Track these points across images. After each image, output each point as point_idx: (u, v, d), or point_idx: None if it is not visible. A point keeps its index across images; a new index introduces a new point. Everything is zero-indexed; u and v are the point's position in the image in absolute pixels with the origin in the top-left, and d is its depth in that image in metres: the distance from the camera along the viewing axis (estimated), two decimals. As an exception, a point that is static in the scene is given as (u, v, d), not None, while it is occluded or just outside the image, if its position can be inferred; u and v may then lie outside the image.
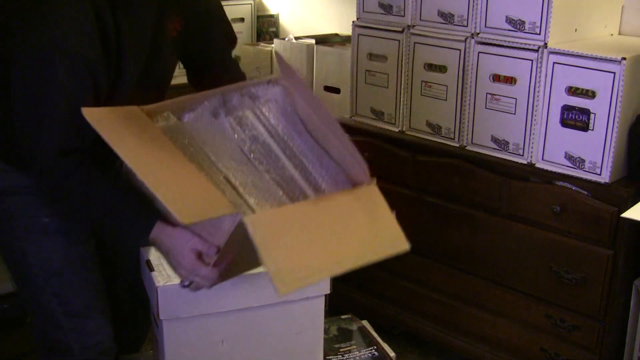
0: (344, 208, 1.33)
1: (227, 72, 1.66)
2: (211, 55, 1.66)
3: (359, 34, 2.27)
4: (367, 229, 1.33)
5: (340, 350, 1.85)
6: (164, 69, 1.54)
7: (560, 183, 1.88)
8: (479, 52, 1.98)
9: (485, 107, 2.00)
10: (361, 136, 2.27)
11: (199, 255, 1.29)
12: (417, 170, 2.17)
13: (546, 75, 1.86)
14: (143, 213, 1.33)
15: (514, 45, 1.91)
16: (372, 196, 1.36)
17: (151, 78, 1.49)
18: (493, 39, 1.95)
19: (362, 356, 1.82)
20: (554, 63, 1.84)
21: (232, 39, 1.71)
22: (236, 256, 1.32)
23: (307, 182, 1.38)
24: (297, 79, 1.44)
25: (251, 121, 1.42)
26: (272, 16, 3.16)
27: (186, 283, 1.32)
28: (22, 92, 1.32)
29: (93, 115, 1.27)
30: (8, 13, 1.37)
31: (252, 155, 1.39)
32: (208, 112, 1.42)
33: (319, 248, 1.25)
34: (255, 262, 1.23)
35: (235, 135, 1.40)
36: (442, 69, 2.08)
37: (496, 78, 1.98)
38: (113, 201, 1.34)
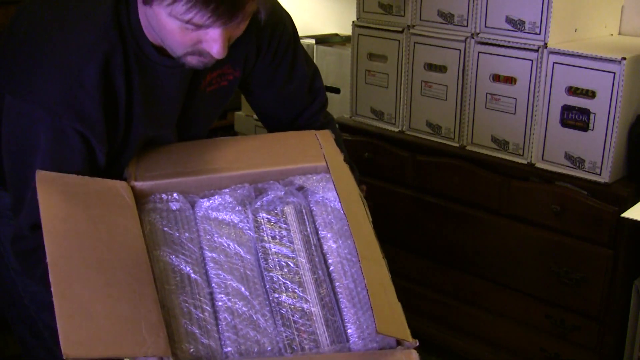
0: None
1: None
2: (286, 111, 1.47)
3: (359, 34, 2.27)
4: None
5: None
6: (193, 121, 1.37)
7: (560, 183, 1.88)
8: (479, 52, 1.98)
9: (485, 107, 2.00)
10: (361, 136, 2.27)
11: None
12: (417, 170, 2.17)
13: (546, 75, 1.86)
14: None
15: (514, 45, 1.91)
16: None
17: (179, 131, 1.34)
18: (493, 39, 1.95)
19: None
20: (554, 63, 1.84)
21: (315, 97, 1.48)
22: None
23: (329, 327, 1.04)
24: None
25: (290, 224, 1.09)
26: (272, 16, 3.15)
27: None
28: (8, 145, 1.17)
29: (45, 182, 1.02)
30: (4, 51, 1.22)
31: (268, 271, 1.06)
32: (232, 200, 1.11)
33: None
34: None
35: (256, 240, 1.07)
36: (442, 69, 2.08)
37: (496, 78, 1.98)
38: None
